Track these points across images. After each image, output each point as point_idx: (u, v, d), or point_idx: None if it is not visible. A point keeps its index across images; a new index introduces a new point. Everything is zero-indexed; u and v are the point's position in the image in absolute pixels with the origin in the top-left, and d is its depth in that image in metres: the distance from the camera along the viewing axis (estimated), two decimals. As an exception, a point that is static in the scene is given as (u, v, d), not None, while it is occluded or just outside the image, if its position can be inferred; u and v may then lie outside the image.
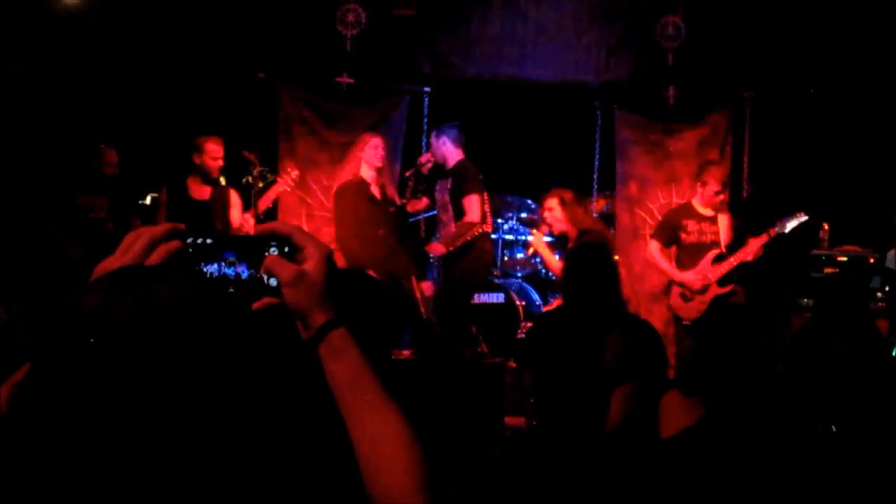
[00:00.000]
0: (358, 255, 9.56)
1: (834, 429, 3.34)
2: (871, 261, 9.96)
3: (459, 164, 10.10)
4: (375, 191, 9.84)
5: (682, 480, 3.29)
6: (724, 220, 9.80)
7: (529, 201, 11.93)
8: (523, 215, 11.87)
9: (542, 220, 10.36)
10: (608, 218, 11.55)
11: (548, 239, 11.28)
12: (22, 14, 9.88)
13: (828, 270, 10.27)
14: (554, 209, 10.10)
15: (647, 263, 11.31)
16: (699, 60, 11.40)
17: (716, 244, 9.78)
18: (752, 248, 9.54)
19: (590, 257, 6.45)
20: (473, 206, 9.90)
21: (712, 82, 11.46)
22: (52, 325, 1.51)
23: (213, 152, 9.59)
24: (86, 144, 9.88)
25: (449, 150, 10.11)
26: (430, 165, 10.27)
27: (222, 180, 9.85)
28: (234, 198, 9.90)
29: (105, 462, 1.44)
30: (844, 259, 10.20)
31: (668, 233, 10.09)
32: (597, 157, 11.94)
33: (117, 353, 1.46)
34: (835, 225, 10.09)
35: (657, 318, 10.73)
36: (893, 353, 7.33)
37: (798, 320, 9.41)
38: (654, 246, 10.18)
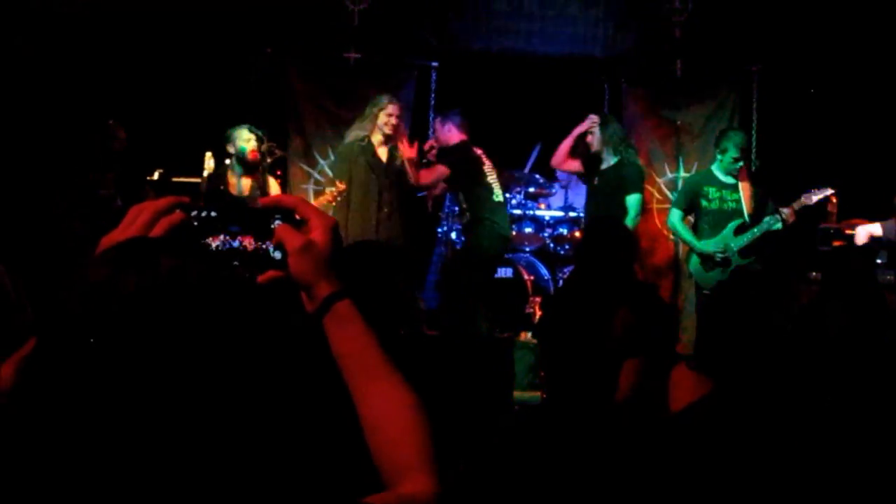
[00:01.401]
0: (343, 217, 9.59)
1: (832, 400, 3.33)
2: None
3: (458, 144, 10.11)
4: (382, 154, 9.81)
5: (691, 454, 3.28)
6: (745, 189, 9.73)
7: (537, 176, 11.93)
8: (531, 190, 11.87)
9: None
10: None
11: (555, 212, 11.33)
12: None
13: (836, 244, 10.25)
14: (595, 133, 10.22)
15: (653, 238, 11.32)
16: (707, 34, 11.36)
17: (738, 213, 9.72)
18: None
19: (604, 230, 6.45)
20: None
21: (720, 56, 11.42)
22: (58, 297, 1.51)
23: (246, 140, 9.60)
24: (94, 121, 9.88)
25: (453, 136, 10.12)
26: (434, 151, 10.27)
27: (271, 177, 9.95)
28: (274, 187, 9.93)
29: (112, 435, 1.44)
30: (852, 232, 10.18)
31: (689, 200, 10.04)
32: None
33: (122, 326, 1.45)
34: (843, 198, 10.05)
35: (664, 292, 10.75)
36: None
37: (806, 294, 9.37)
38: (675, 215, 10.12)
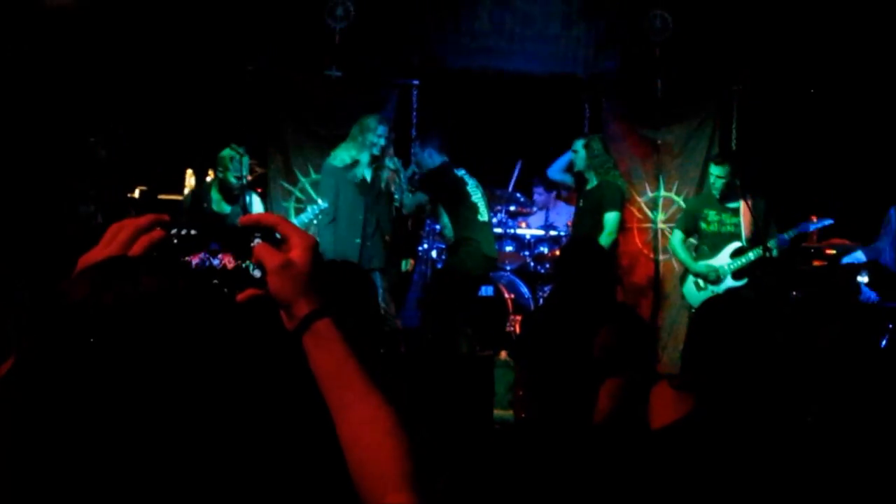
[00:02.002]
0: (329, 235, 9.64)
1: (814, 418, 3.34)
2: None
3: (440, 167, 10.14)
4: (368, 174, 9.81)
5: (672, 472, 3.28)
6: (745, 213, 9.81)
7: (518, 194, 11.95)
8: (512, 208, 11.90)
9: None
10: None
11: (538, 231, 11.38)
12: (12, 5, 9.84)
13: (816, 263, 10.30)
14: (578, 151, 10.40)
15: (633, 257, 11.35)
16: (687, 53, 11.40)
17: (736, 235, 9.79)
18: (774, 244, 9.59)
19: (583, 250, 6.47)
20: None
21: (700, 75, 11.46)
22: (38, 317, 1.50)
23: (234, 168, 9.59)
24: (75, 139, 9.87)
25: (434, 161, 10.13)
26: (417, 177, 10.31)
27: (256, 196, 9.98)
28: (258, 206, 9.93)
29: (92, 454, 1.44)
30: (833, 252, 10.23)
31: (689, 222, 10.17)
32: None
33: (102, 345, 1.45)
34: (823, 215, 10.09)
35: (644, 311, 10.78)
36: (882, 345, 7.34)
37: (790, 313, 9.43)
38: (676, 236, 10.26)
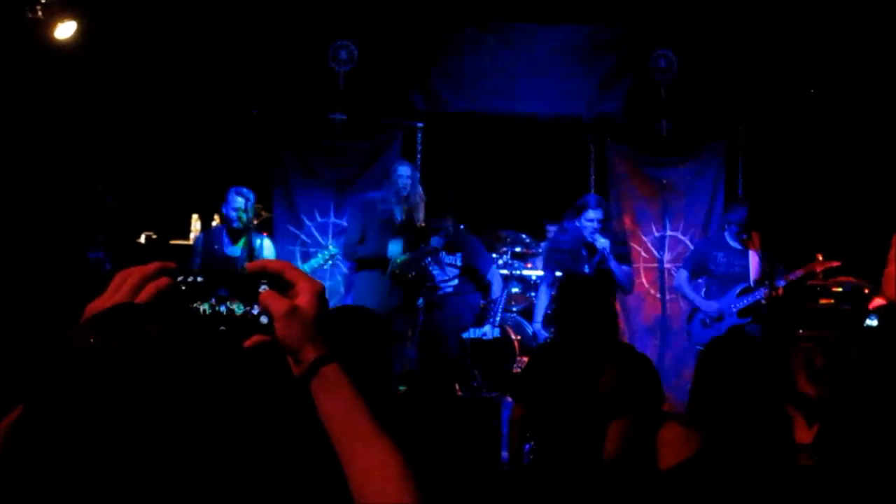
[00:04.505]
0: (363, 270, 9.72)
1: (821, 459, 3.33)
2: (867, 291, 9.96)
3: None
4: (398, 213, 9.83)
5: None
6: (754, 255, 9.82)
7: (524, 235, 11.93)
8: (518, 250, 11.87)
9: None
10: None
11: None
12: (15, 53, 9.86)
13: (823, 301, 10.28)
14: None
15: (640, 296, 11.34)
16: (692, 93, 11.41)
17: (745, 276, 9.79)
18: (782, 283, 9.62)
19: (582, 289, 6.44)
20: None
21: (705, 114, 11.47)
22: (44, 364, 1.50)
23: (232, 202, 9.58)
24: (82, 185, 9.89)
25: None
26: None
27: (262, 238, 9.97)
28: (268, 249, 9.94)
29: (102, 499, 1.43)
30: (840, 290, 10.21)
31: (698, 263, 10.16)
32: (591, 190, 11.94)
33: (109, 392, 1.45)
34: (830, 255, 10.07)
35: (651, 350, 10.75)
36: None
37: (794, 353, 9.44)
38: (682, 274, 10.25)
